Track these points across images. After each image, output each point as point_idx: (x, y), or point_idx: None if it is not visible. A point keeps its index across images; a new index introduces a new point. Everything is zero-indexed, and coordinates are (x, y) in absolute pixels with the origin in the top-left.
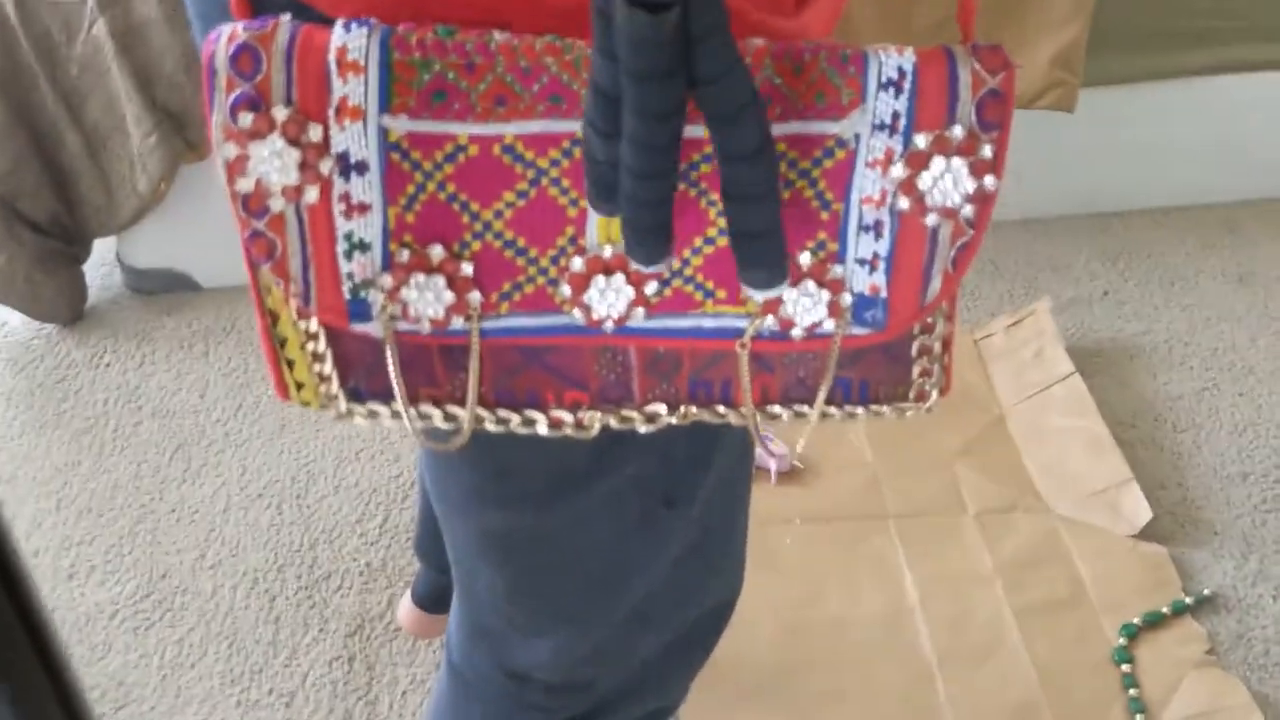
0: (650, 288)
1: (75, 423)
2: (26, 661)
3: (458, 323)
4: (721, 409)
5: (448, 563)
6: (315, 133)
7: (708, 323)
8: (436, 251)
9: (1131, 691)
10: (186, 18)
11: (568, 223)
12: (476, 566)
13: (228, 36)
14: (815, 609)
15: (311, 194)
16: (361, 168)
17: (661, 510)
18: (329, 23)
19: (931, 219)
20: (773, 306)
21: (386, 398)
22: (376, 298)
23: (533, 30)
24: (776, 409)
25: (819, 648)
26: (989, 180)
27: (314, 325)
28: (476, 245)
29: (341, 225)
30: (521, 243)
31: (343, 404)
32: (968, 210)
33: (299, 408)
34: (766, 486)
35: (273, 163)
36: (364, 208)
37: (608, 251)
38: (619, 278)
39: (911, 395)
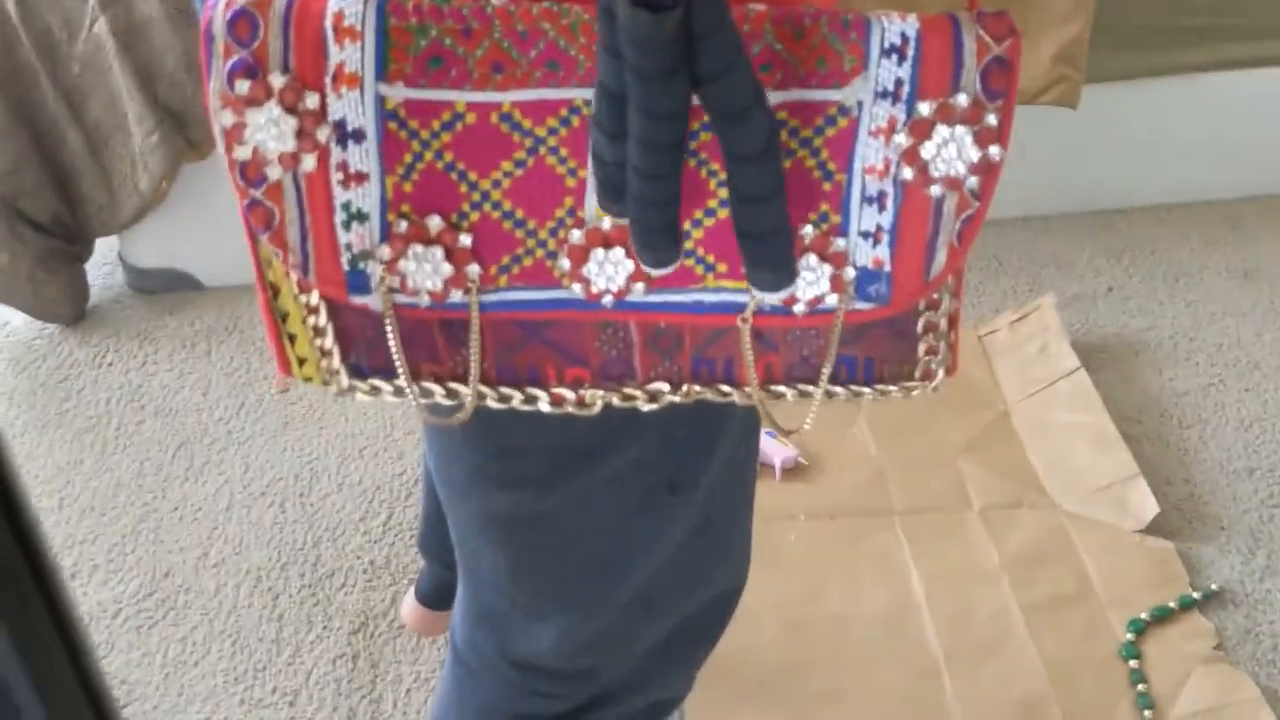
0: None
1: (78, 422)
2: (26, 593)
3: (456, 296)
4: (725, 388)
5: (452, 559)
6: (312, 100)
7: (708, 298)
8: (434, 222)
9: (1139, 687)
10: (188, 15)
11: (566, 193)
12: (480, 548)
13: (225, 2)
14: (820, 605)
15: (309, 162)
16: (359, 136)
17: (665, 494)
18: None
19: (935, 190)
20: None
21: (388, 374)
22: (375, 269)
23: None
24: (780, 388)
25: (823, 644)
26: (994, 150)
27: (315, 299)
28: (475, 216)
29: (339, 195)
30: (520, 214)
31: (344, 379)
32: (972, 181)
33: (301, 407)
34: (771, 483)
35: (269, 130)
36: (361, 177)
37: (607, 224)
38: (618, 251)
39: (918, 374)
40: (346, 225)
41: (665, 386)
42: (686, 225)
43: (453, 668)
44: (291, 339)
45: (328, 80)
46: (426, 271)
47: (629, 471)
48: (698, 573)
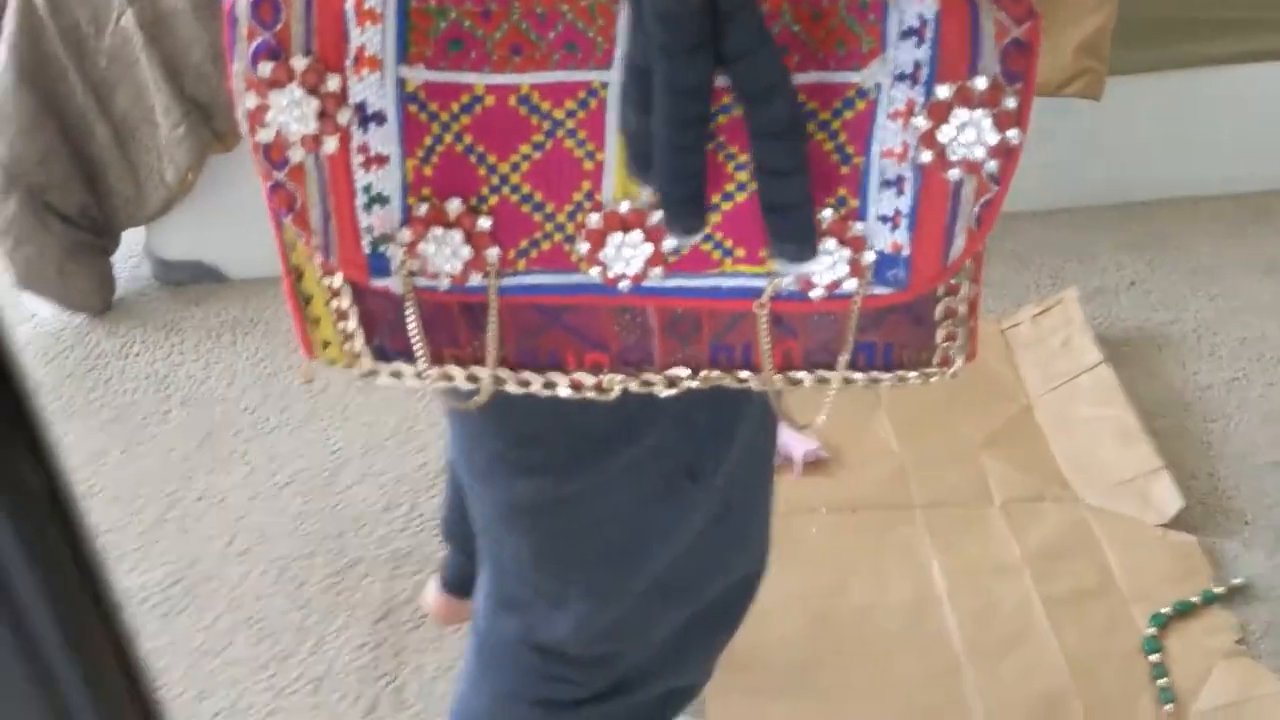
0: (668, 245)
1: (105, 411)
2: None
3: (476, 279)
4: (743, 373)
5: (474, 547)
6: (333, 82)
7: (726, 282)
8: (454, 205)
9: (1161, 681)
10: (214, 7)
11: (584, 176)
12: (502, 535)
13: None
14: (841, 598)
15: (330, 144)
16: (379, 118)
17: (684, 481)
18: None
19: (954, 174)
20: None
21: (410, 357)
22: (395, 252)
23: None
24: (799, 374)
25: (844, 638)
26: (1013, 133)
27: (338, 282)
28: (494, 199)
29: (360, 177)
30: (539, 197)
31: (367, 362)
32: (991, 165)
33: (326, 398)
34: (792, 475)
35: (292, 112)
36: (382, 159)
37: (624, 207)
38: (636, 234)
39: (936, 360)
40: (368, 208)
41: (684, 372)
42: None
43: (475, 653)
44: (316, 322)
45: (349, 63)
46: (446, 254)
47: (648, 458)
48: (717, 559)
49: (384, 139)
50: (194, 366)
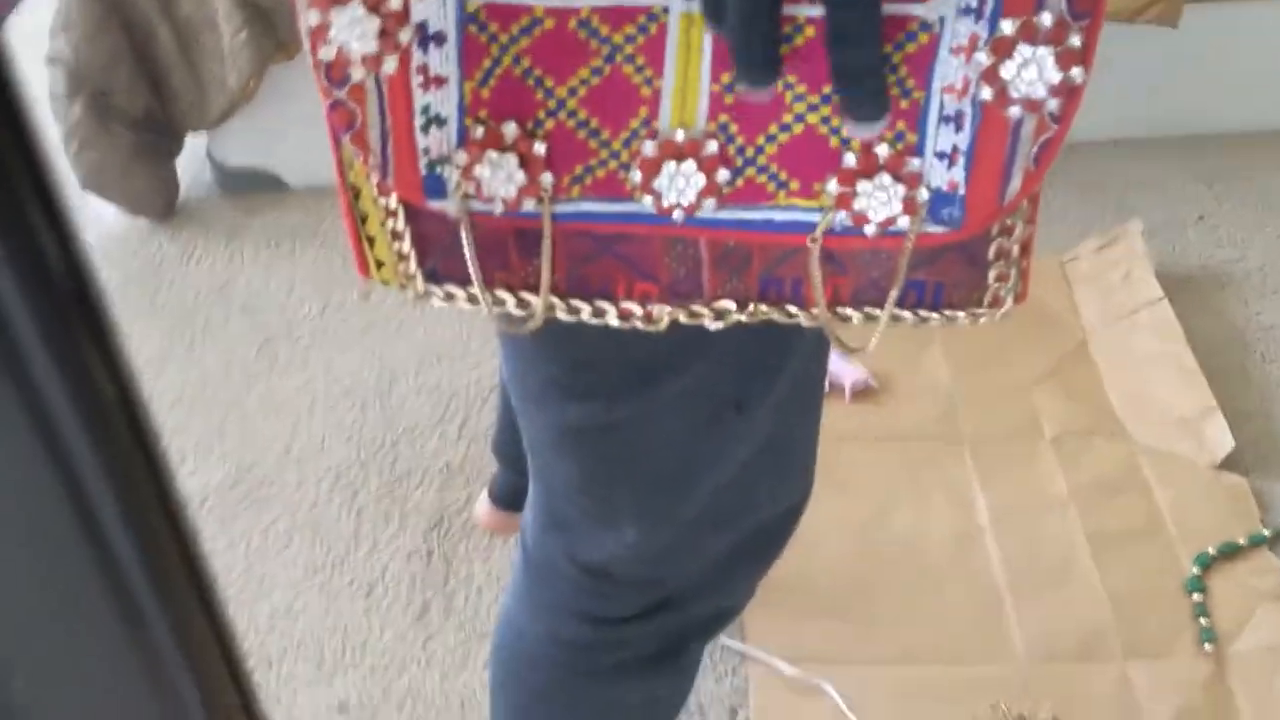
0: (721, 175)
1: (167, 316)
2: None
3: (529, 204)
4: (792, 308)
5: (524, 464)
6: (395, 1)
7: (779, 216)
8: (510, 129)
9: (1202, 621)
10: None
11: (641, 103)
12: (551, 458)
13: None
14: (884, 528)
15: (390, 64)
16: (440, 39)
17: (731, 412)
18: None
19: (1014, 111)
20: (845, 201)
21: (463, 281)
22: (451, 174)
23: None
24: (847, 310)
25: (885, 566)
26: (1076, 72)
27: (393, 202)
28: (550, 124)
29: (419, 98)
30: (594, 123)
31: (420, 284)
32: (1053, 104)
33: (383, 311)
34: (840, 404)
35: (353, 30)
36: (441, 80)
37: (680, 136)
38: (690, 164)
39: (986, 301)
40: (425, 129)
41: (732, 305)
42: (760, 139)
43: (523, 567)
44: (371, 241)
45: None
46: (501, 179)
47: (697, 388)
48: (762, 489)
49: (443, 60)
50: (254, 274)
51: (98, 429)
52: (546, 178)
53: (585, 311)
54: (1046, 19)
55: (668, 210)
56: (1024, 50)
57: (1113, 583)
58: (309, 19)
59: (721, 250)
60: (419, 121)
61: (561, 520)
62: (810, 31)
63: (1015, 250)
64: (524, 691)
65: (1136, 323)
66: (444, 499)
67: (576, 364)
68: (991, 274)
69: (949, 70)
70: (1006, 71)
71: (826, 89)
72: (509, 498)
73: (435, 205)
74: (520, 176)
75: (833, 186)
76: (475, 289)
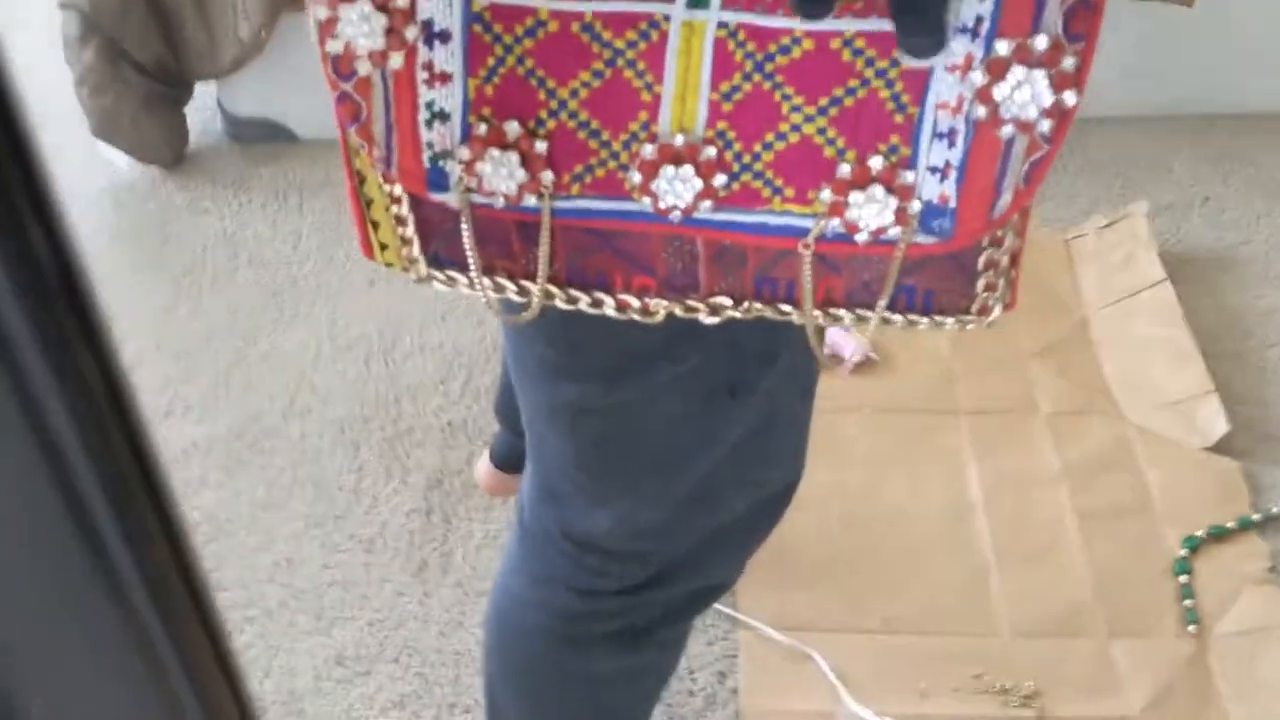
0: (718, 180)
1: (175, 265)
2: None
3: (530, 200)
4: (785, 307)
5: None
6: None
7: (773, 220)
8: (513, 128)
9: (1187, 602)
10: None
11: (641, 107)
12: (547, 434)
13: None
14: (876, 498)
15: (396, 60)
16: (445, 36)
17: (725, 398)
18: None
19: (1006, 130)
20: (838, 209)
21: (465, 266)
22: (454, 169)
23: None
24: (839, 311)
25: (877, 536)
26: (1069, 95)
27: (398, 189)
28: (552, 124)
29: (424, 93)
30: (595, 124)
31: (423, 268)
32: (1044, 125)
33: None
34: (840, 374)
35: (361, 26)
36: (445, 77)
37: (679, 140)
38: (688, 168)
39: (975, 308)
40: (429, 124)
41: (727, 301)
42: (757, 147)
43: (518, 537)
44: (375, 225)
45: None
46: (503, 175)
47: (691, 375)
48: (753, 472)
49: (448, 58)
50: (261, 226)
51: (89, 428)
52: (547, 175)
53: (583, 301)
54: (1041, 41)
55: (665, 211)
56: (1018, 71)
57: (1100, 561)
58: (317, 13)
59: (718, 249)
60: (423, 116)
61: (556, 494)
62: (808, 44)
63: (1004, 261)
64: (515, 657)
65: (1137, 304)
66: (445, 457)
67: (573, 347)
68: (980, 283)
69: (944, 87)
70: (1000, 92)
71: (823, 100)
72: (509, 459)
73: (437, 198)
74: (521, 174)
75: (826, 195)
76: (474, 275)
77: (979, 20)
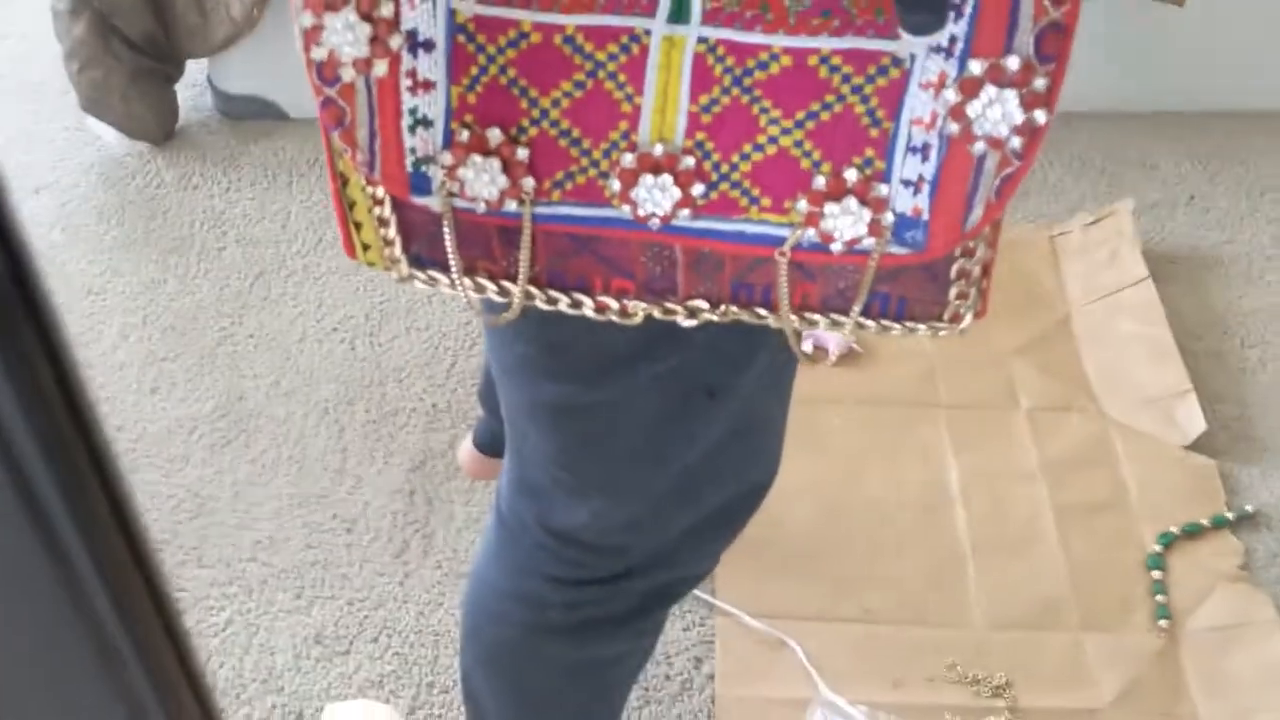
0: (697, 189)
1: (163, 242)
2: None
3: (511, 205)
4: (761, 311)
5: None
6: (387, 9)
7: (750, 229)
8: (495, 134)
9: (1159, 598)
10: None
11: (622, 118)
12: (527, 429)
13: None
14: (855, 489)
15: (380, 68)
16: (429, 46)
17: (704, 398)
18: None
19: (978, 147)
20: (814, 220)
21: (446, 267)
22: (436, 174)
23: None
24: (815, 315)
25: (855, 527)
26: (1039, 114)
27: (380, 192)
28: (533, 131)
29: (407, 100)
30: (576, 133)
31: (405, 268)
32: (1015, 142)
33: None
34: (823, 366)
35: (345, 35)
36: (429, 85)
37: (658, 150)
38: (666, 178)
39: (947, 316)
40: (412, 129)
41: (705, 305)
42: (735, 158)
43: (496, 526)
44: (358, 226)
45: None
46: (484, 181)
47: (670, 376)
48: (729, 470)
49: (432, 66)
50: (250, 205)
51: (47, 435)
52: (528, 182)
53: (563, 303)
54: (1014, 62)
55: (644, 219)
56: (990, 90)
57: (1075, 555)
58: (302, 21)
59: (696, 255)
60: (406, 122)
61: (534, 487)
62: (786, 61)
63: (976, 271)
64: (491, 644)
65: (1120, 301)
66: (428, 440)
67: (552, 346)
68: (953, 292)
69: (918, 104)
70: (973, 110)
71: (800, 114)
72: (491, 444)
73: (420, 202)
74: (503, 179)
75: (803, 205)
76: (455, 276)
77: (953, 40)
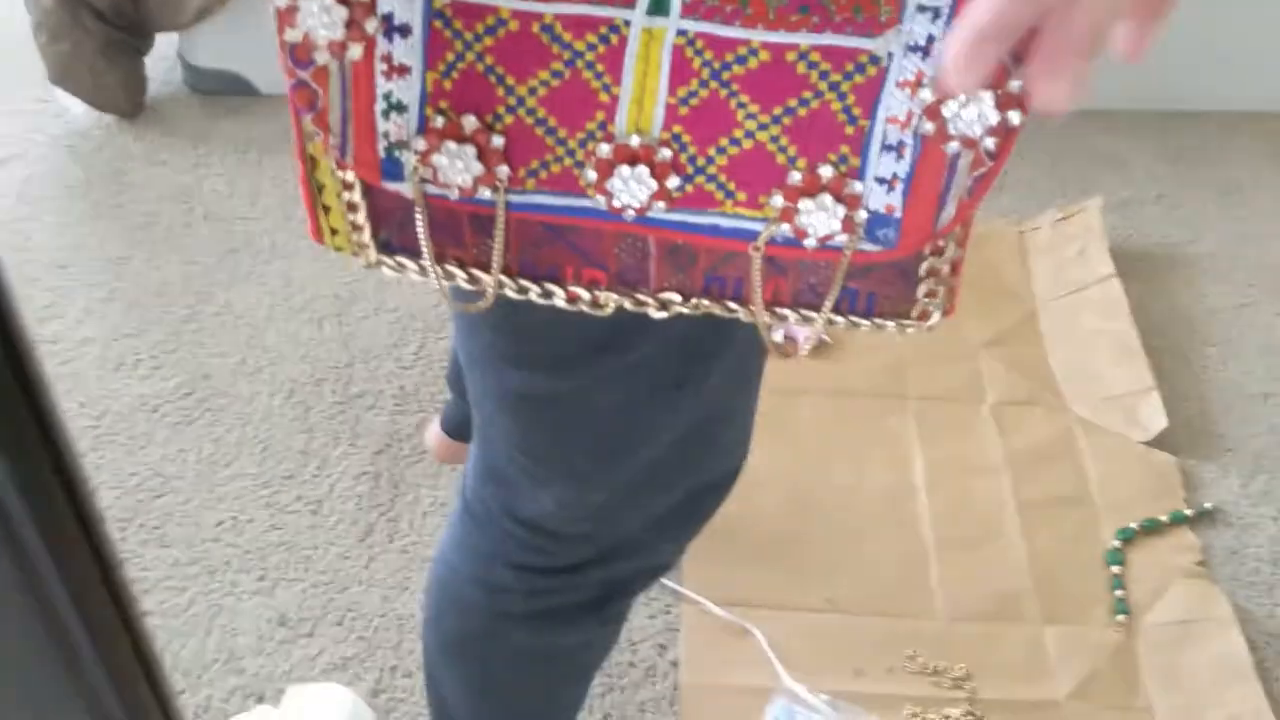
0: (672, 182)
1: (130, 217)
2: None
3: (485, 193)
4: (732, 304)
5: None
6: None
7: (725, 222)
8: (470, 121)
9: (1118, 593)
10: None
11: (599, 108)
12: (493, 416)
13: None
14: (822, 479)
15: (355, 51)
16: (405, 30)
17: (672, 389)
18: None
19: (952, 146)
20: (789, 215)
21: (415, 253)
22: (409, 159)
23: None
24: (785, 310)
25: (821, 517)
26: (1013, 115)
27: (350, 175)
28: (509, 119)
29: (381, 85)
30: (552, 122)
31: (373, 254)
32: (989, 142)
33: None
34: (793, 358)
35: (321, 17)
36: (404, 70)
37: (635, 141)
38: (642, 169)
39: (915, 313)
40: (386, 114)
41: (676, 297)
42: (711, 151)
43: (461, 512)
44: (326, 210)
45: None
46: (458, 168)
47: (639, 366)
48: (696, 460)
49: (407, 51)
50: (219, 182)
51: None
52: (503, 170)
53: (534, 292)
54: None
55: (619, 210)
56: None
57: (1036, 549)
58: (277, 1)
59: (669, 247)
60: (380, 107)
61: (499, 475)
62: (765, 56)
63: (946, 270)
64: (454, 630)
65: (1086, 298)
66: (395, 422)
67: (519, 335)
68: (922, 290)
69: (894, 102)
70: (948, 110)
71: (777, 110)
72: (459, 428)
73: (392, 187)
74: (477, 166)
75: (777, 200)
76: (426, 262)
77: (930, 40)
